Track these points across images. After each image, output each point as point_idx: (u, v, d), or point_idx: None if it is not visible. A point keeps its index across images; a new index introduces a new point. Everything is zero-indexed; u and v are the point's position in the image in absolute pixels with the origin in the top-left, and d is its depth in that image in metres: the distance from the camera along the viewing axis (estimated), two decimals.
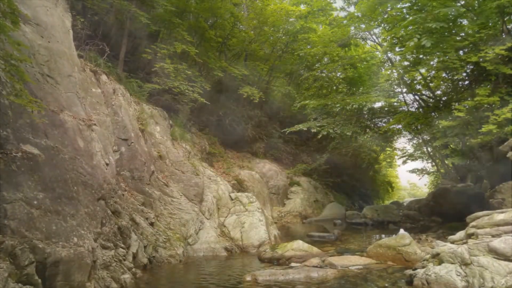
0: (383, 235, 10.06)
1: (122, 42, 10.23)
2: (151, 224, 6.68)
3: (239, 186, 12.34)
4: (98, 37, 9.37)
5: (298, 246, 6.64)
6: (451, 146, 11.75)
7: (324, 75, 18.26)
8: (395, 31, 8.99)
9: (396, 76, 13.14)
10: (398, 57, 12.40)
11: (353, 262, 5.96)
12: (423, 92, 13.06)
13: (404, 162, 20.13)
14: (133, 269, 5.23)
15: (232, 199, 9.01)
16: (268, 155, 17.01)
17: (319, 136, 13.34)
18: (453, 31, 8.09)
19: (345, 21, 14.51)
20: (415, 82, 13.05)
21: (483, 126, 6.84)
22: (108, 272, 4.58)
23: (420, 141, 18.75)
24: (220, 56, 14.66)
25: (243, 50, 15.33)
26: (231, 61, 15.27)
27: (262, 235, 7.93)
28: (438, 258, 4.65)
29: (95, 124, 6.01)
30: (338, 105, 12.89)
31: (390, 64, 15.16)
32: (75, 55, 6.27)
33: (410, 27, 7.82)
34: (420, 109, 12.99)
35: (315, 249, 6.69)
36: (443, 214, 11.94)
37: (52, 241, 3.74)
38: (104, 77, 7.79)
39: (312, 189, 16.43)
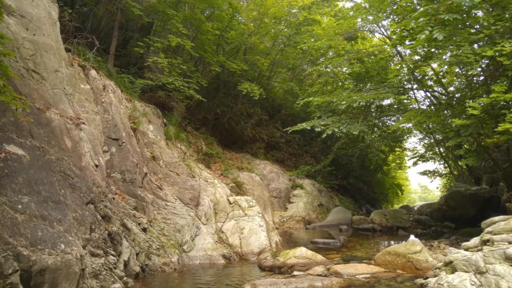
0: (392, 242, 10.07)
1: (112, 35, 10.23)
2: (144, 229, 6.68)
3: (238, 189, 12.36)
4: (87, 29, 9.38)
5: (301, 253, 6.64)
6: (465, 146, 11.75)
7: (329, 70, 18.28)
8: (405, 23, 8.99)
9: (406, 72, 13.15)
10: (408, 51, 12.40)
11: (360, 270, 5.96)
12: (435, 89, 13.08)
13: (415, 164, 20.18)
14: (125, 278, 5.23)
15: (230, 203, 9.01)
16: (269, 156, 17.03)
17: (324, 135, 13.35)
18: (467, 23, 8.10)
19: (351, 13, 14.51)
20: (426, 77, 13.07)
21: (499, 124, 6.84)
22: (98, 281, 4.58)
23: (432, 141, 18.81)
24: (217, 50, 14.68)
25: (242, 43, 15.33)
26: (229, 55, 15.28)
27: (262, 241, 7.93)
28: (451, 266, 4.65)
29: (83, 123, 6.01)
30: (344, 102, 12.89)
31: (399, 59, 15.18)
32: (62, 49, 6.27)
33: (421, 19, 7.82)
34: (432, 107, 13.00)
35: (319, 257, 6.69)
36: (456, 219, 11.97)
37: (37, 248, 3.74)
38: (93, 72, 7.79)
39: (316, 193, 16.44)
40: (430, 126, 13.19)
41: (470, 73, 10.25)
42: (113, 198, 6.23)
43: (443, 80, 12.59)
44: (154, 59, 10.22)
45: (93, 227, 4.88)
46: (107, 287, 4.66)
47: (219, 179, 10.92)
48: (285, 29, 17.19)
